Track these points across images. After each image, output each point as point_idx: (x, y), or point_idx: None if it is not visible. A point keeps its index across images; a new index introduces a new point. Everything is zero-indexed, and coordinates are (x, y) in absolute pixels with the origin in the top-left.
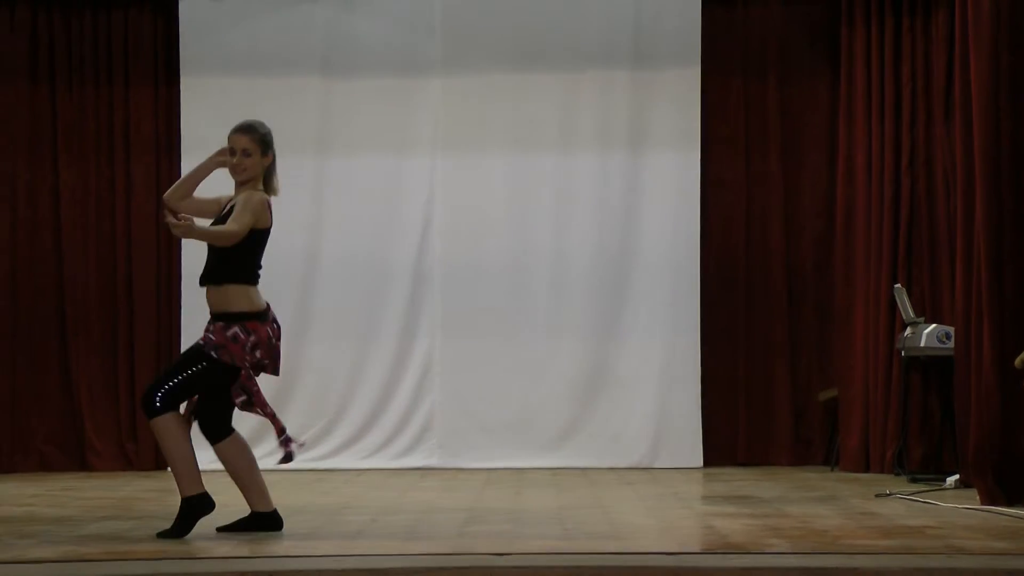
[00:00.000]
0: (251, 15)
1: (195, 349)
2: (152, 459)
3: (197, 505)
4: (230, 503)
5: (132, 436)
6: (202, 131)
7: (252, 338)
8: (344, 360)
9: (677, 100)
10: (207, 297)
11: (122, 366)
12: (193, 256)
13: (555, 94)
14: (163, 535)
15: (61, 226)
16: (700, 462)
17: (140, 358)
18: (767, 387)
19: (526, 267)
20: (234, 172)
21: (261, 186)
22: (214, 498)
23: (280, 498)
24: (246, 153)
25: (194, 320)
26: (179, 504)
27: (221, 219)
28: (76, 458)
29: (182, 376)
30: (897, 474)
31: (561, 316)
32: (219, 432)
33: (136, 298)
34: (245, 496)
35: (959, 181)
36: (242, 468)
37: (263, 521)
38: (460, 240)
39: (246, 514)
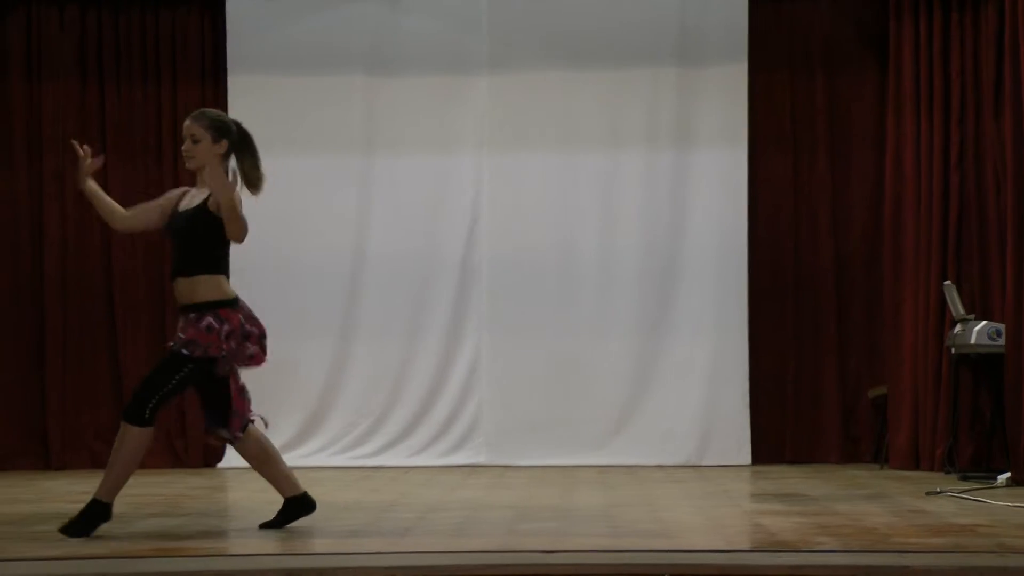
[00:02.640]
0: (298, 13)
1: (172, 356)
2: (200, 456)
3: (102, 513)
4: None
5: (181, 433)
6: (249, 130)
7: (226, 327)
8: (391, 358)
9: (724, 97)
10: (177, 291)
11: None
12: (240, 252)
13: (601, 91)
14: (64, 530)
15: None
16: (748, 459)
17: None
18: (816, 384)
19: (573, 265)
20: (186, 160)
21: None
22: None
23: (328, 495)
24: (194, 140)
25: None
26: (89, 503)
27: (185, 216)
28: None
29: (171, 384)
30: (947, 472)
31: (608, 313)
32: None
33: None
34: (275, 486)
35: (1009, 176)
36: (265, 460)
37: (297, 506)
38: (506, 238)
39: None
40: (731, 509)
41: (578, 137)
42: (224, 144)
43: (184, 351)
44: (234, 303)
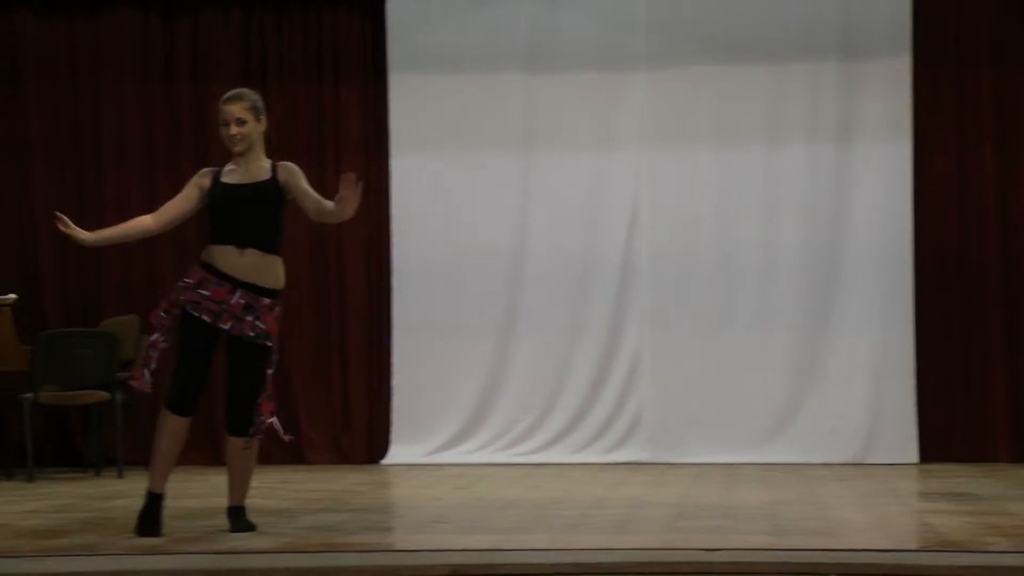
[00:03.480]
0: (457, 13)
1: (254, 349)
2: (365, 452)
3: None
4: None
5: (346, 429)
6: (409, 129)
7: (279, 313)
8: (553, 355)
9: (887, 91)
10: (241, 262)
11: (334, 361)
12: (402, 250)
13: (762, 87)
14: (236, 529)
15: None
16: (915, 458)
17: (352, 352)
18: (984, 382)
19: (734, 261)
20: (232, 142)
21: (263, 153)
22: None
23: (490, 492)
24: (240, 122)
25: (405, 313)
26: (236, 509)
27: (250, 189)
28: (292, 451)
29: (262, 386)
30: None
31: (770, 310)
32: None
33: (347, 293)
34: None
35: None
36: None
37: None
38: (666, 234)
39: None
40: (898, 508)
41: (738, 133)
42: (263, 122)
43: (267, 343)
44: None
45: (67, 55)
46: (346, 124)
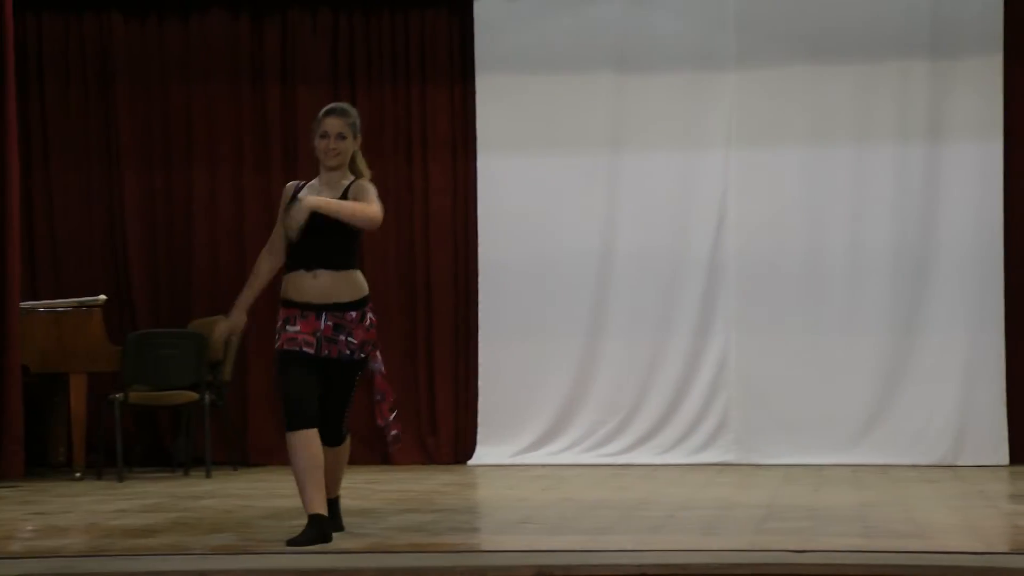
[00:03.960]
0: (545, 13)
1: (350, 366)
2: (451, 453)
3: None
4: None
5: (432, 430)
6: (497, 130)
7: (375, 318)
8: (639, 356)
9: (978, 89)
10: (314, 285)
11: (421, 361)
12: (489, 250)
13: (851, 85)
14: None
15: None
16: (1006, 460)
17: (439, 353)
18: None
19: (822, 261)
20: (328, 156)
21: (349, 172)
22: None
23: (576, 493)
24: (341, 136)
25: (491, 313)
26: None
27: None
28: (378, 452)
29: (351, 397)
30: None
31: (859, 310)
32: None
33: (434, 294)
34: (322, 496)
35: None
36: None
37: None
38: (755, 234)
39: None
40: (988, 510)
41: (826, 132)
42: (359, 141)
43: (361, 355)
44: None
45: (157, 57)
46: (433, 124)
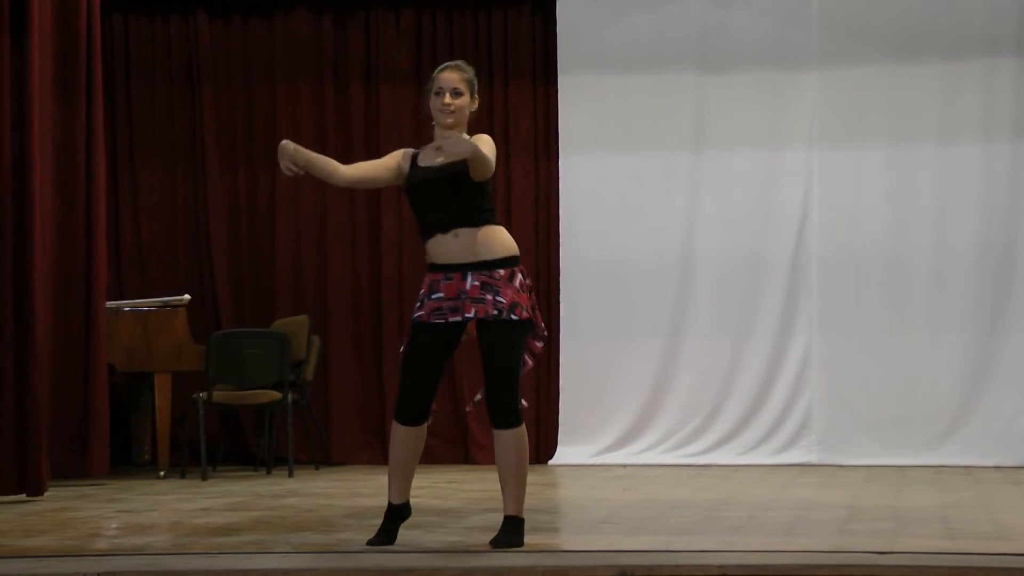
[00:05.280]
0: (627, 12)
1: (503, 328)
2: (532, 453)
3: (523, 525)
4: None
5: None
6: (578, 130)
7: (529, 281)
8: (721, 356)
9: None
10: (455, 245)
11: None
12: (571, 250)
13: (935, 84)
14: (497, 543)
15: None
16: None
17: None
18: None
19: (906, 261)
20: (443, 114)
21: (466, 133)
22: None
23: (658, 493)
24: (457, 92)
25: (572, 313)
26: (510, 520)
27: (451, 167)
28: (460, 451)
29: (519, 367)
30: None
31: (943, 310)
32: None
33: None
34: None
35: None
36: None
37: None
38: (837, 234)
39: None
40: None
41: (910, 131)
42: (476, 101)
43: (513, 316)
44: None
45: (241, 57)
46: (516, 124)
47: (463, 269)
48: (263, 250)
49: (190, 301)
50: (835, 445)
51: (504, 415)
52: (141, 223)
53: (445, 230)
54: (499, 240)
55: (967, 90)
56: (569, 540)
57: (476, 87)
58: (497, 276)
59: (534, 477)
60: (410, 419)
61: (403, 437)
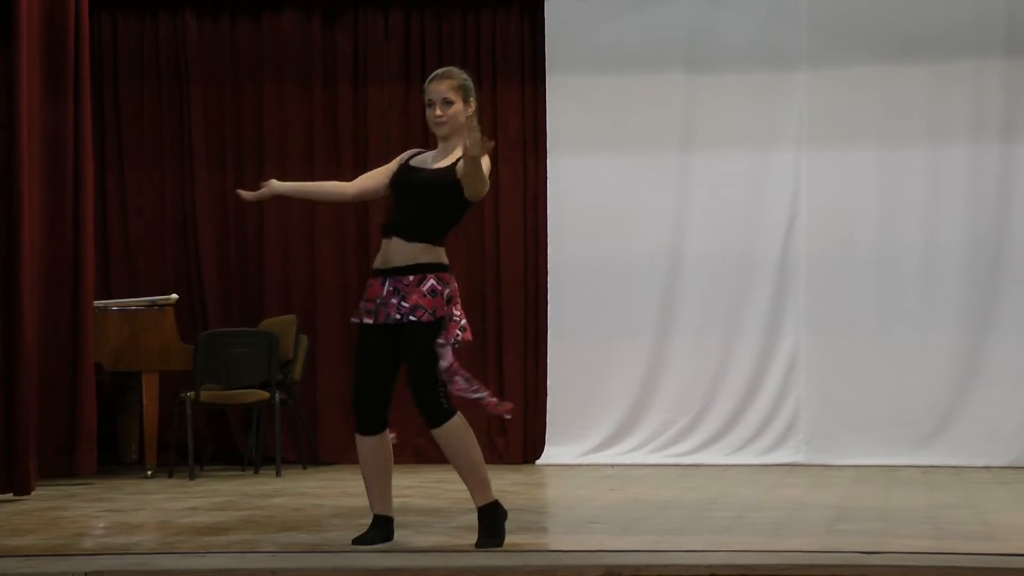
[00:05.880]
0: (616, 13)
1: (409, 331)
2: (520, 453)
3: (500, 510)
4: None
5: (501, 430)
6: (567, 130)
7: (447, 290)
8: (708, 356)
9: None
10: (384, 252)
11: (490, 361)
12: (559, 250)
13: (925, 85)
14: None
15: None
16: None
17: (508, 352)
18: None
19: (894, 261)
20: (437, 126)
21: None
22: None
23: (645, 493)
24: (447, 102)
25: (560, 313)
26: (480, 512)
27: (424, 174)
28: None
29: (432, 366)
30: None
31: (932, 310)
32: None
33: (503, 294)
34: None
35: None
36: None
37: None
38: (827, 234)
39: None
40: None
41: (899, 132)
42: (473, 104)
43: (412, 318)
44: (449, 269)
45: (229, 56)
46: (504, 124)
47: (383, 275)
48: (251, 250)
49: (178, 300)
50: (823, 445)
51: (428, 414)
52: (129, 222)
53: (388, 235)
54: (418, 249)
55: (956, 91)
56: (557, 540)
57: (470, 90)
58: (406, 281)
59: (521, 477)
60: (364, 426)
61: (363, 449)
